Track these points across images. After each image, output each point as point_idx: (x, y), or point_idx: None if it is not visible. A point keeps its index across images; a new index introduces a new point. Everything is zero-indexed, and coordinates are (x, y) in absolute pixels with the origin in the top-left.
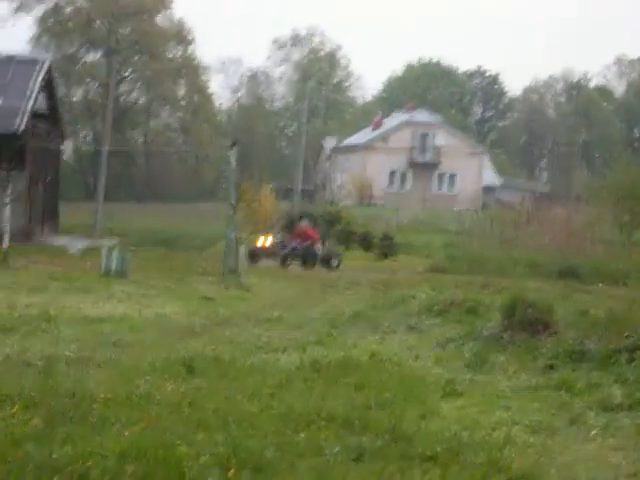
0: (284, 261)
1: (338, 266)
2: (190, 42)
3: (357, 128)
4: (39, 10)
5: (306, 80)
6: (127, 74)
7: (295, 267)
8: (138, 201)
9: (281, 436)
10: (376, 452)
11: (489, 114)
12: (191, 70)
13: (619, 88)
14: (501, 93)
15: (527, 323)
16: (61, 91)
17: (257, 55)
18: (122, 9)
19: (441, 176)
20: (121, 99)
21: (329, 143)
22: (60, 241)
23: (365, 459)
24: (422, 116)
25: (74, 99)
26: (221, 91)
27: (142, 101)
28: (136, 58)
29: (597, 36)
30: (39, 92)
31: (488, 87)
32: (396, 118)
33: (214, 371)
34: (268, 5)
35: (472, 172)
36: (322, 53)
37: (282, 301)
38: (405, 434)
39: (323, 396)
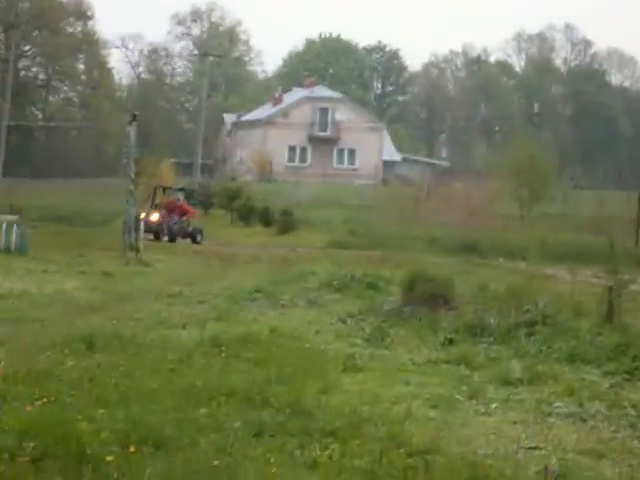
0: (172, 236)
1: (201, 241)
2: (90, 17)
3: (258, 103)
4: None
5: (206, 55)
6: (27, 49)
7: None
8: (38, 177)
9: (181, 412)
10: (276, 427)
11: (389, 89)
12: (91, 45)
13: (519, 63)
14: (401, 68)
15: (427, 298)
16: None
17: (157, 30)
18: None
19: (341, 151)
20: (21, 74)
21: (230, 118)
22: None
23: (265, 434)
24: (322, 91)
25: None
26: (121, 66)
27: (42, 76)
28: (35, 33)
29: (497, 11)
30: None
31: (388, 62)
32: (296, 93)
33: (114, 347)
34: None
35: (372, 147)
36: (222, 28)
37: (182, 277)
38: (305, 409)
39: (223, 372)
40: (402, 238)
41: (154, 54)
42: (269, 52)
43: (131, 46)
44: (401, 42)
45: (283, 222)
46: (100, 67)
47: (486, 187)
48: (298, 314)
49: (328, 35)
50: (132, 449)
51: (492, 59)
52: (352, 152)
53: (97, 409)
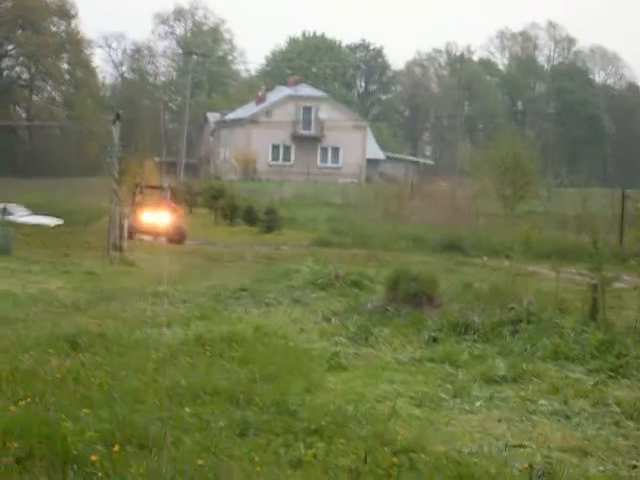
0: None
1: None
2: (73, 16)
3: (241, 102)
4: None
5: (190, 54)
6: (10, 48)
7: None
8: (21, 176)
9: (166, 411)
10: (261, 426)
11: (373, 88)
12: (74, 44)
13: (502, 61)
14: (385, 66)
15: (411, 296)
16: None
17: (141, 29)
18: None
19: (325, 150)
20: (4, 74)
21: (213, 117)
22: None
23: (250, 433)
24: (305, 90)
25: None
26: (105, 65)
27: (25, 76)
28: (19, 32)
29: (480, 10)
30: None
31: (372, 60)
32: (280, 92)
33: (99, 346)
34: None
35: (356, 145)
36: (205, 27)
37: (167, 276)
38: (290, 408)
39: (208, 370)
40: (386, 236)
41: (137, 53)
42: (252, 51)
43: (114, 45)
44: (385, 41)
45: (267, 221)
46: (84, 66)
47: (470, 185)
48: (282, 313)
49: (311, 34)
50: (117, 449)
51: (475, 57)
52: (336, 151)
53: (81, 409)
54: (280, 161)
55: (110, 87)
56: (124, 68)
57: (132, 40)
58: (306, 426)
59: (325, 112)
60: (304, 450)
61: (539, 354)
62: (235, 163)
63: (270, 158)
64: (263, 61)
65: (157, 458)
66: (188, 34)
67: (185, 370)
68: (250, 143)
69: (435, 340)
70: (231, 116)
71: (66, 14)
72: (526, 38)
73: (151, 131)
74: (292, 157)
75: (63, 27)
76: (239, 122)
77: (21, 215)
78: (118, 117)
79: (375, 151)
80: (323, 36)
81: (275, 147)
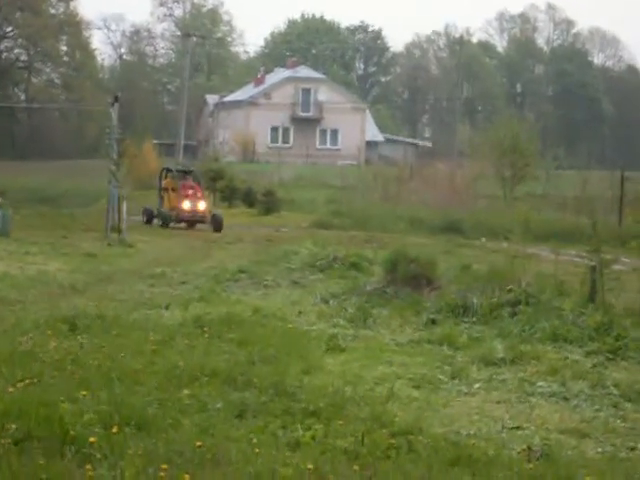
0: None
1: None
2: None
3: (240, 84)
4: None
5: (189, 36)
6: (9, 30)
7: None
8: (20, 158)
9: (164, 392)
10: (259, 408)
11: (372, 70)
12: (73, 26)
13: (501, 43)
14: (384, 48)
15: (410, 278)
16: None
17: (139, 12)
18: None
19: (324, 132)
20: (3, 56)
21: (212, 99)
22: None
23: (248, 415)
24: (304, 72)
25: None
26: (104, 47)
27: (24, 58)
28: (17, 15)
29: None
30: None
31: (371, 42)
32: (279, 74)
33: (97, 328)
34: None
35: (355, 127)
36: (204, 9)
37: (166, 257)
38: (288, 390)
39: (206, 352)
40: (385, 218)
41: (136, 35)
42: (251, 33)
43: (113, 27)
44: (384, 22)
45: (266, 202)
46: (82, 48)
47: (469, 167)
48: (281, 294)
49: (310, 15)
50: (115, 430)
51: (474, 39)
52: (335, 133)
53: (80, 390)
54: (279, 143)
55: (109, 69)
56: (123, 50)
57: (131, 22)
58: (304, 408)
59: (324, 94)
60: (302, 432)
61: (538, 336)
62: (234, 145)
63: (269, 140)
64: (262, 43)
65: (155, 440)
66: (187, 16)
67: (183, 352)
68: (249, 125)
69: (434, 322)
70: (230, 98)
71: None
72: (525, 20)
73: (149, 113)
74: (291, 139)
75: (62, 9)
76: (238, 104)
77: None
78: (117, 99)
79: (374, 133)
80: (322, 18)
81: (274, 129)
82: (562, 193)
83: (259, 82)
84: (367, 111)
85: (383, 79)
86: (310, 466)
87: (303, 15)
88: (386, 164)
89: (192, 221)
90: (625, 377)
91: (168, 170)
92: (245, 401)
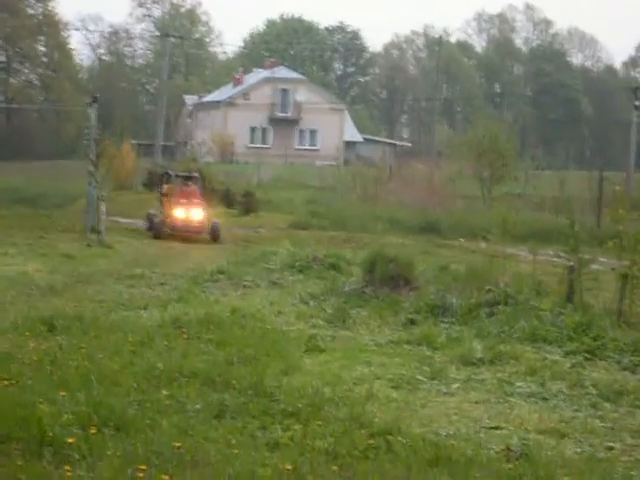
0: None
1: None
2: None
3: (218, 85)
4: None
5: (167, 36)
6: None
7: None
8: None
9: (143, 393)
10: (238, 408)
11: (350, 70)
12: (51, 27)
13: (480, 43)
14: (362, 49)
15: (388, 278)
16: None
17: (118, 12)
18: None
19: (302, 132)
20: None
21: (190, 100)
22: None
23: (227, 416)
24: (283, 72)
25: None
26: (82, 48)
27: (2, 58)
28: None
29: None
30: None
31: (349, 43)
32: (257, 74)
33: (76, 329)
34: None
35: (333, 128)
36: (183, 9)
37: (144, 258)
38: (267, 390)
39: (185, 353)
40: (364, 219)
41: (115, 36)
42: (230, 33)
43: (92, 27)
44: (362, 23)
45: (245, 203)
46: (61, 49)
47: (447, 168)
48: (260, 295)
49: (289, 16)
50: (93, 431)
51: (453, 40)
52: (313, 133)
53: (58, 391)
54: (258, 143)
55: (87, 70)
56: (101, 50)
57: (109, 22)
58: (283, 408)
59: (302, 94)
60: (281, 432)
61: (516, 336)
62: (212, 145)
63: (248, 140)
64: (241, 43)
65: (134, 441)
66: (165, 16)
67: (162, 353)
68: (227, 125)
69: (412, 322)
70: (208, 98)
71: None
72: (503, 20)
73: (128, 114)
74: (270, 139)
75: (40, 9)
76: (216, 104)
77: None
78: (95, 100)
79: (353, 133)
80: (301, 18)
81: (253, 129)
82: (540, 193)
83: (237, 82)
84: (346, 111)
85: (362, 79)
86: (289, 467)
87: (282, 16)
88: (365, 164)
89: (186, 233)
90: (603, 377)
91: (167, 175)
92: (224, 402)
